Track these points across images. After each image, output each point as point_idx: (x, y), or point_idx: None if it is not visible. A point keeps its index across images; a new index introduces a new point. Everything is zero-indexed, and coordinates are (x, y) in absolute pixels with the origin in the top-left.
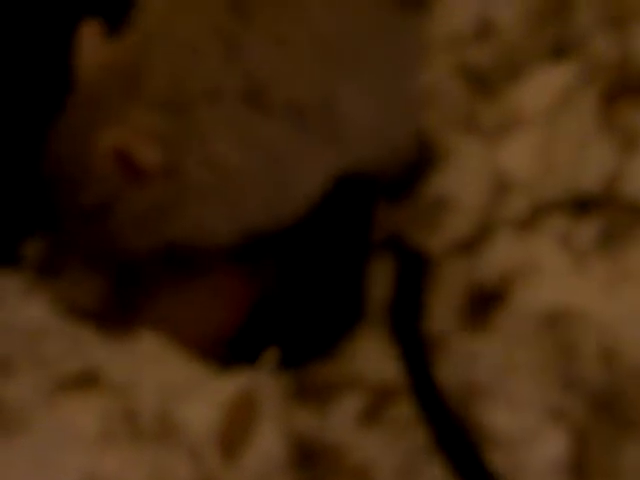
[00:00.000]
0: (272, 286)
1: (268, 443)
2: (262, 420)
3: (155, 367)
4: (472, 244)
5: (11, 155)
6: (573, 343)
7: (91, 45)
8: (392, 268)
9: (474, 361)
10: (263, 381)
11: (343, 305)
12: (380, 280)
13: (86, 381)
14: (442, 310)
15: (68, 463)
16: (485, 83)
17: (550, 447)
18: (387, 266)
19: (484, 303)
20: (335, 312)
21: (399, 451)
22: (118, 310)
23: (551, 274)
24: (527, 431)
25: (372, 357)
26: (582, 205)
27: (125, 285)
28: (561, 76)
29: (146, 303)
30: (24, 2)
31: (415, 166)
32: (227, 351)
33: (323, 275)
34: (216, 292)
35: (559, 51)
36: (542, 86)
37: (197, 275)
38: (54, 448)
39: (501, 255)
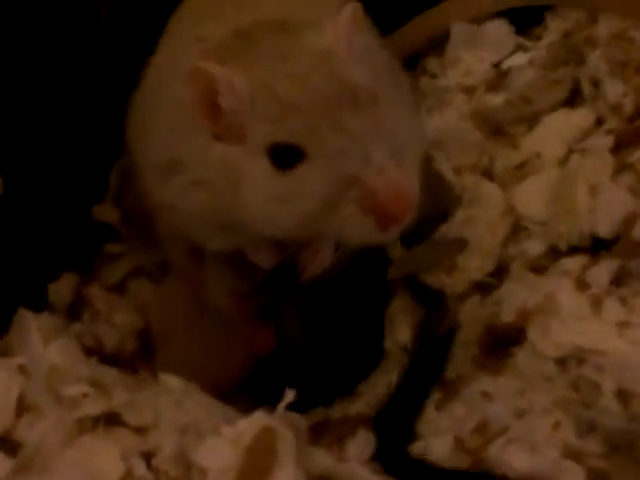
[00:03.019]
0: (294, 332)
1: None
2: (280, 462)
3: (174, 409)
4: (489, 285)
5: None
6: (590, 384)
7: None
8: (412, 309)
9: (490, 402)
10: (281, 422)
11: (363, 345)
12: (400, 320)
13: (106, 423)
14: (460, 351)
15: None
16: (502, 129)
17: None
18: (407, 306)
19: (501, 344)
20: (356, 352)
21: None
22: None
23: (567, 315)
24: (546, 472)
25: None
26: (597, 247)
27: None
28: (576, 122)
29: (164, 346)
30: None
31: (438, 209)
32: (243, 393)
33: (344, 318)
34: (236, 338)
35: (573, 97)
36: (558, 131)
37: (219, 319)
38: None
39: (518, 296)
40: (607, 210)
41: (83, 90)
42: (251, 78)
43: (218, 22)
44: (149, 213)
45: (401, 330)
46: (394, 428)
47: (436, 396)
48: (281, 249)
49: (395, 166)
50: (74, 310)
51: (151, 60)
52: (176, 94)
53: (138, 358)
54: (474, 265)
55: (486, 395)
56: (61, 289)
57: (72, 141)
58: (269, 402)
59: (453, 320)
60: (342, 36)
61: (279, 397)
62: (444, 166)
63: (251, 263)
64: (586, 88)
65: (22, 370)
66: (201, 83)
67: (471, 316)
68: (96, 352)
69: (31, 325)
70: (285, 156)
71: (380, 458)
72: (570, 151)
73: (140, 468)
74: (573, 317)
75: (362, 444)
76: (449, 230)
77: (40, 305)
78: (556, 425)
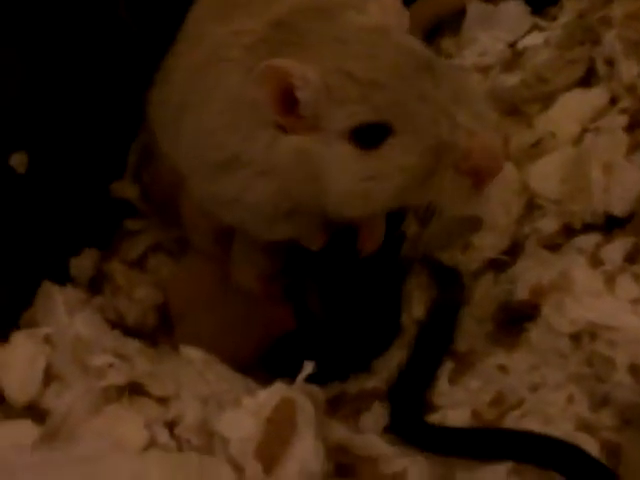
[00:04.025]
0: (315, 309)
1: (306, 454)
2: (300, 432)
3: (196, 380)
4: (503, 263)
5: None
6: (603, 359)
7: None
8: (428, 285)
9: (506, 375)
10: (300, 394)
11: (381, 322)
12: (416, 297)
13: (130, 393)
14: (474, 327)
15: (114, 472)
16: (517, 109)
17: None
18: (423, 283)
19: (515, 320)
20: (373, 329)
21: (433, 459)
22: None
23: (581, 292)
24: None
25: None
26: (611, 225)
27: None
28: (591, 101)
29: (182, 321)
30: None
31: None
32: (264, 365)
33: (362, 296)
34: (255, 316)
35: (588, 77)
36: (572, 111)
37: (240, 297)
38: (100, 457)
39: (532, 273)
40: (621, 188)
41: (102, 71)
42: (321, 66)
43: (251, 15)
44: (169, 192)
45: (417, 307)
46: (408, 397)
47: (450, 368)
48: (329, 233)
49: (481, 126)
50: (95, 285)
51: (172, 60)
52: (228, 94)
53: (158, 332)
54: (489, 243)
55: (502, 368)
56: (82, 264)
57: (92, 120)
58: (286, 376)
59: (460, 292)
60: (390, 12)
61: (295, 372)
62: None
63: (279, 246)
64: (601, 68)
65: (48, 340)
66: (275, 79)
67: (485, 293)
68: (118, 325)
69: (56, 297)
70: (370, 135)
71: (395, 428)
72: (584, 130)
73: (163, 436)
74: (587, 294)
75: (377, 417)
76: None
77: (62, 279)
78: (570, 399)
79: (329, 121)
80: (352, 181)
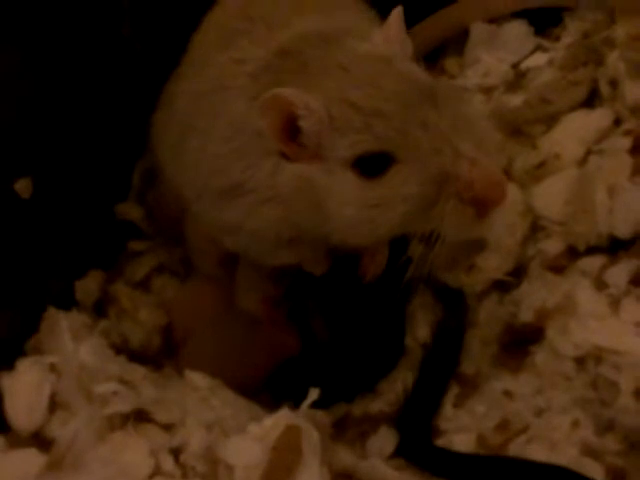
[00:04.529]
0: (319, 332)
1: None
2: (305, 459)
3: (201, 406)
4: (508, 284)
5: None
6: (608, 383)
7: None
8: (433, 307)
9: (511, 400)
10: (306, 420)
11: (385, 344)
12: (420, 318)
13: (135, 420)
14: (479, 349)
15: None
16: (521, 130)
17: None
18: (427, 304)
19: (520, 342)
20: (378, 351)
21: None
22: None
23: (586, 315)
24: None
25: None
26: (615, 247)
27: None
28: (594, 122)
29: (187, 343)
30: None
31: None
32: (268, 391)
33: (366, 318)
34: (260, 339)
35: (592, 98)
36: (576, 132)
37: (244, 320)
38: None
39: (536, 296)
40: (625, 211)
41: (106, 90)
42: (324, 95)
43: (253, 43)
44: (173, 214)
45: (421, 328)
46: (417, 422)
47: (455, 392)
48: (333, 257)
49: (483, 155)
50: (100, 307)
51: (175, 85)
52: (232, 122)
53: (163, 354)
54: (493, 264)
55: (507, 393)
56: (88, 286)
57: (96, 142)
58: (291, 400)
59: (464, 315)
60: (394, 40)
61: (300, 395)
62: None
63: (283, 271)
64: (604, 89)
65: (53, 369)
66: (278, 109)
67: (490, 315)
68: (123, 349)
69: (61, 324)
70: (373, 164)
71: (404, 452)
72: (588, 152)
73: (168, 464)
74: (591, 317)
75: (383, 441)
76: None
77: (67, 303)
78: (575, 423)
79: (332, 150)
80: (355, 209)
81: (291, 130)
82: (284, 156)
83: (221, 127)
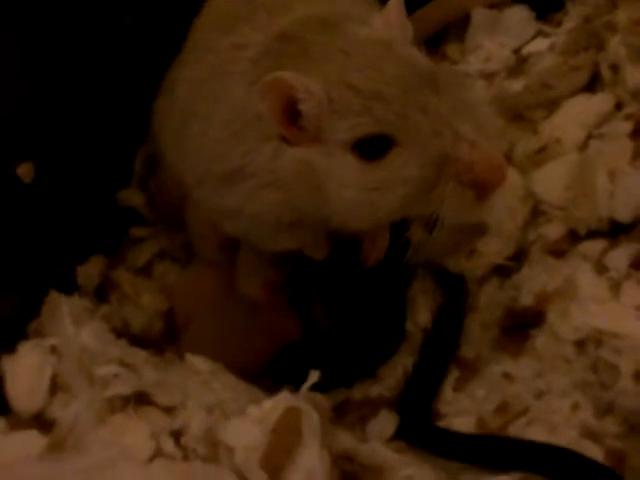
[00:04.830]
0: (320, 317)
1: (311, 463)
2: (305, 441)
3: (202, 389)
4: (509, 269)
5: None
6: (608, 366)
7: None
8: (433, 291)
9: (511, 383)
10: (306, 403)
11: (386, 329)
12: (421, 303)
13: (136, 402)
14: (479, 333)
15: None
16: (522, 115)
17: None
18: (428, 289)
19: (520, 326)
20: (378, 336)
21: (438, 468)
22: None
23: (586, 298)
24: None
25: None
26: (616, 231)
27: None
28: (595, 107)
29: (188, 328)
30: None
31: None
32: (269, 376)
33: (367, 303)
34: (261, 325)
35: (593, 83)
36: (577, 117)
37: (245, 305)
38: (107, 468)
39: (537, 280)
40: (626, 195)
41: (108, 77)
42: (324, 79)
43: (253, 28)
44: (175, 199)
45: (421, 313)
46: (417, 405)
47: (455, 375)
48: (334, 242)
49: (483, 138)
50: (102, 293)
51: (177, 71)
52: (232, 106)
53: (164, 339)
54: (494, 249)
55: (507, 376)
56: (89, 272)
57: (98, 128)
58: (291, 384)
59: (464, 299)
60: (394, 25)
61: (301, 379)
62: None
63: (284, 256)
64: (606, 73)
65: (54, 351)
66: (279, 93)
67: (491, 299)
68: (124, 334)
69: (62, 308)
70: (373, 147)
71: (404, 434)
72: (589, 136)
73: (169, 446)
74: (592, 300)
75: (383, 424)
76: None
77: (69, 288)
78: (575, 406)
79: (332, 133)
80: (354, 192)
81: (291, 114)
82: (284, 140)
83: (222, 112)
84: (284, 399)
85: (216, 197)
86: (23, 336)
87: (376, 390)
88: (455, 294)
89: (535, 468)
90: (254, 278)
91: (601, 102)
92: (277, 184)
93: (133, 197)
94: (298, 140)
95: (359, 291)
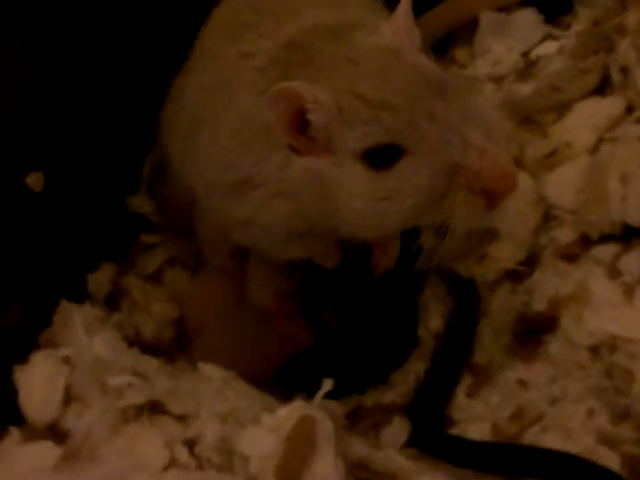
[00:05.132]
0: (331, 325)
1: (326, 472)
2: (320, 449)
3: (215, 398)
4: (521, 274)
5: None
6: (623, 371)
7: None
8: (445, 297)
9: (525, 389)
10: (320, 411)
11: (398, 335)
12: (433, 309)
13: (150, 412)
14: (492, 339)
15: None
16: (532, 118)
17: None
18: (439, 295)
19: (533, 332)
20: (390, 342)
21: (453, 475)
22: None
23: (600, 303)
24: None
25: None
26: (629, 235)
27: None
28: (606, 110)
29: (199, 336)
30: None
31: None
32: (280, 384)
33: (379, 309)
34: (272, 332)
35: (603, 86)
36: (588, 120)
37: (256, 313)
38: (122, 477)
39: (549, 284)
40: (638, 198)
41: (115, 84)
42: (332, 88)
43: (261, 36)
44: (184, 207)
45: (433, 319)
46: (429, 412)
47: (468, 381)
48: (344, 250)
49: (492, 145)
50: (112, 300)
51: (184, 78)
52: (241, 116)
53: (175, 347)
54: (505, 254)
55: (521, 382)
56: (100, 279)
57: (106, 135)
58: (303, 392)
59: (476, 305)
60: (402, 32)
61: (313, 387)
62: None
63: (294, 265)
64: (616, 76)
65: (67, 361)
66: (287, 102)
67: (502, 304)
68: (135, 342)
69: (75, 317)
70: (383, 156)
71: (416, 441)
72: (600, 140)
73: (183, 455)
74: (606, 305)
75: (396, 431)
76: None
77: (80, 296)
78: (590, 412)
79: (341, 143)
80: (364, 202)
81: (300, 123)
82: (293, 150)
83: (230, 121)
84: (298, 407)
85: (226, 206)
86: (35, 346)
87: (388, 397)
88: (467, 299)
89: (549, 477)
90: (265, 287)
91: (611, 105)
92: (287, 194)
93: (142, 204)
94: (307, 150)
95: (370, 298)
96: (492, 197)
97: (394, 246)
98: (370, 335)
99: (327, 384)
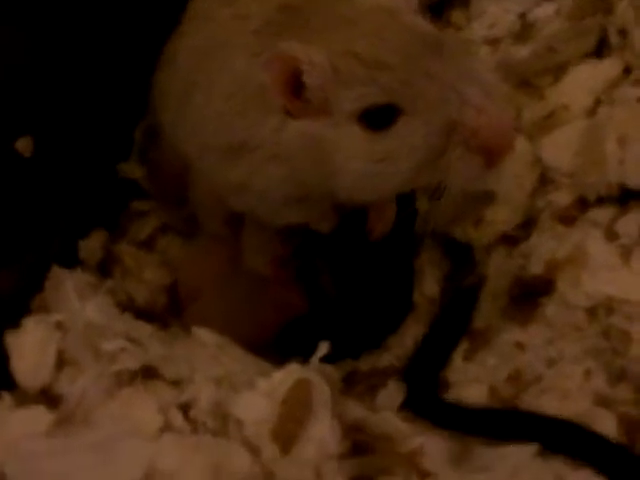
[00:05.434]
0: (327, 288)
1: (323, 435)
2: (316, 413)
3: (209, 362)
4: (517, 237)
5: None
6: (620, 333)
7: None
8: (440, 261)
9: (522, 352)
10: (315, 374)
11: (393, 299)
12: (428, 273)
13: (143, 376)
14: (488, 302)
15: (130, 456)
16: (528, 81)
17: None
18: (435, 260)
19: (529, 295)
20: (386, 306)
21: (450, 436)
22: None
23: (597, 265)
24: (579, 420)
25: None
26: (626, 198)
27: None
28: (604, 72)
29: (193, 302)
30: None
31: None
32: (276, 347)
33: (375, 274)
34: (266, 299)
35: (601, 48)
36: (585, 82)
37: (251, 280)
38: (116, 442)
39: (546, 247)
40: (636, 160)
41: (107, 48)
42: (328, 49)
43: None
44: (177, 174)
45: (429, 283)
46: (424, 375)
47: (464, 346)
48: (340, 214)
49: (491, 103)
50: (104, 267)
51: (177, 42)
52: (235, 79)
53: (168, 313)
54: (502, 217)
55: (518, 345)
56: (91, 246)
57: (97, 101)
58: (298, 357)
59: (480, 272)
60: None
61: (308, 353)
62: None
63: (290, 230)
64: (613, 38)
65: (60, 326)
66: (282, 65)
67: (499, 268)
68: (128, 308)
69: (67, 282)
70: (379, 117)
71: (411, 405)
72: (598, 102)
73: (178, 420)
74: (603, 267)
75: (392, 394)
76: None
77: (71, 262)
78: (587, 373)
79: (337, 104)
80: (362, 164)
81: (295, 86)
82: (288, 113)
83: (223, 84)
84: (294, 370)
85: (220, 170)
86: (26, 312)
87: (384, 360)
88: (463, 264)
89: (544, 441)
90: (260, 253)
91: (609, 67)
92: (282, 157)
93: (134, 170)
94: (302, 113)
95: (366, 262)
96: (490, 155)
97: (390, 209)
98: (365, 299)
99: (323, 347)
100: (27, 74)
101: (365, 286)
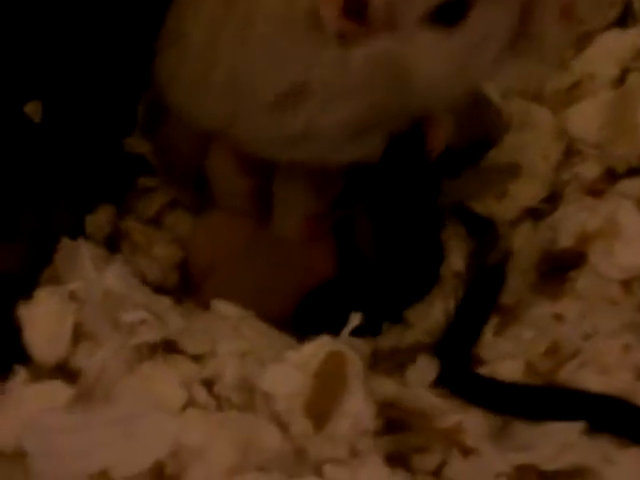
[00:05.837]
0: (365, 249)
1: (357, 410)
2: (350, 386)
3: (232, 336)
4: (544, 210)
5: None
6: None
7: None
8: (466, 235)
9: (560, 324)
10: (348, 347)
11: (422, 269)
12: (453, 246)
13: (164, 350)
14: (516, 277)
15: (154, 432)
16: None
17: None
18: (460, 233)
19: (558, 269)
20: (414, 276)
21: (489, 412)
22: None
23: (630, 237)
24: (620, 394)
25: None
26: None
27: None
28: (630, 41)
29: (208, 278)
30: None
31: (485, 135)
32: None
33: (401, 243)
34: (288, 271)
35: (625, 16)
36: (611, 52)
37: (271, 251)
38: (138, 418)
39: (575, 220)
40: None
41: (111, 23)
42: None
43: None
44: (189, 150)
45: (454, 257)
46: (459, 351)
47: (494, 322)
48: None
49: None
50: (111, 243)
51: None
52: (274, 14)
53: (180, 290)
54: (526, 191)
55: (556, 316)
56: (98, 221)
57: (106, 70)
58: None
59: (505, 247)
60: None
61: (325, 327)
62: (491, 91)
63: (330, 179)
64: (638, 7)
65: (74, 297)
66: None
67: (525, 243)
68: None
69: (82, 252)
70: (451, 13)
71: (445, 381)
72: (625, 71)
73: (202, 395)
74: (636, 238)
75: (423, 370)
76: (500, 156)
77: (77, 237)
78: (626, 347)
79: (404, 13)
80: (445, 63)
81: (355, 9)
82: (343, 42)
83: (258, 26)
84: (325, 343)
85: (268, 127)
86: (36, 285)
87: (410, 337)
88: (487, 239)
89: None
90: (293, 212)
91: (635, 36)
92: (350, 91)
93: (140, 144)
94: (365, 36)
95: (403, 222)
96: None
97: (447, 123)
98: (399, 263)
99: (355, 319)
100: (35, 38)
101: (402, 248)
